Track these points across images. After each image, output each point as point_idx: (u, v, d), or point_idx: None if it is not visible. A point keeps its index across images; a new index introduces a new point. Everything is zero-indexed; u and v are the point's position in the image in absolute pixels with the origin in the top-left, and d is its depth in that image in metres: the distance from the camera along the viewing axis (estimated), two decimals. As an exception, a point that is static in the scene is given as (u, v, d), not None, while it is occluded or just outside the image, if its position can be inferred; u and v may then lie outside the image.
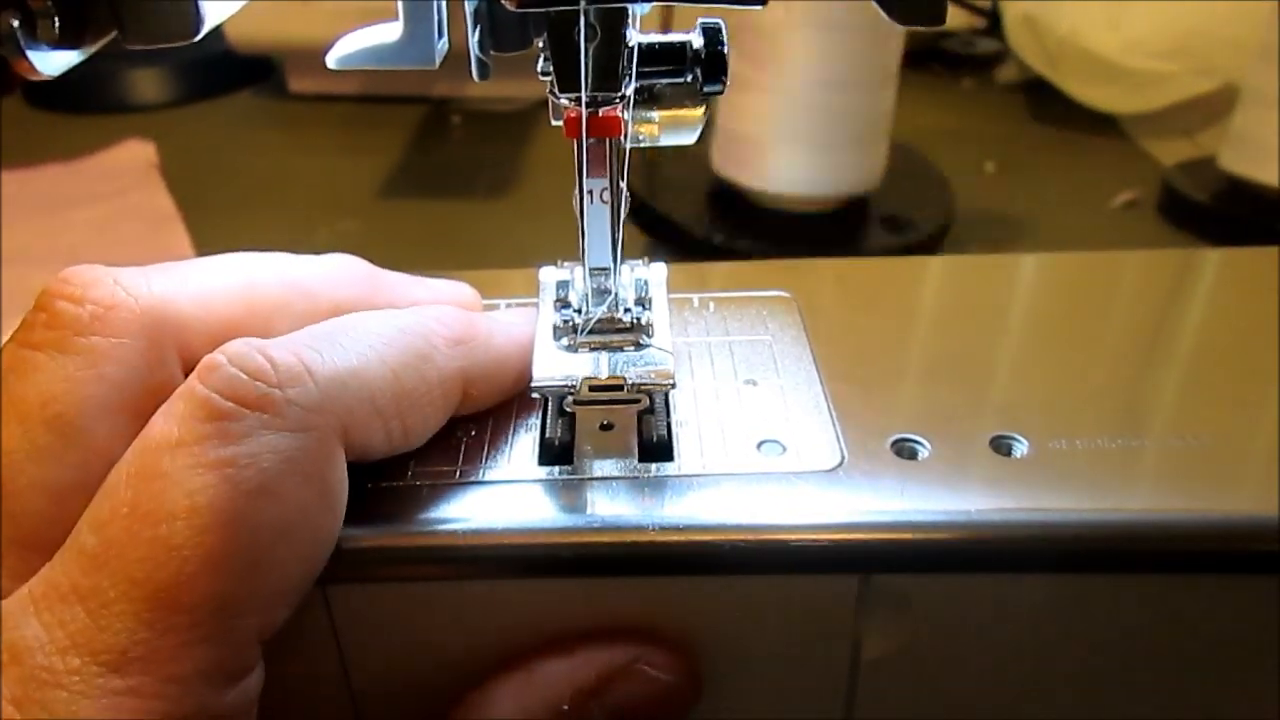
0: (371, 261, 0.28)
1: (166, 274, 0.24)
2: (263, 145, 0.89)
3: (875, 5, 0.19)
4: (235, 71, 0.98)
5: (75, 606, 0.19)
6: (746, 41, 0.59)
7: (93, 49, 0.19)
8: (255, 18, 0.89)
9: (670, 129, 0.26)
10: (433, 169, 0.83)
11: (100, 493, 0.21)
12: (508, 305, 0.31)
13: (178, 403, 0.21)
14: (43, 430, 0.21)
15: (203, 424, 0.20)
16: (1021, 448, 0.25)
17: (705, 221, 0.64)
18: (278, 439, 0.20)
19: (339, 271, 0.27)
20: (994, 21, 0.96)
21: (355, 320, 0.24)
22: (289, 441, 0.21)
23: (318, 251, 0.27)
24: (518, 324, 0.27)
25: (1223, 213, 0.67)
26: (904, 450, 0.25)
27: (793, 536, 0.23)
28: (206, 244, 0.69)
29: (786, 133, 0.60)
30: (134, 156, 0.82)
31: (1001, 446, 0.25)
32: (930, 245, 0.63)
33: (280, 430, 0.21)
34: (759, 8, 0.20)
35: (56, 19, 0.18)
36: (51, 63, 0.19)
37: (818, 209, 0.63)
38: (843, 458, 0.25)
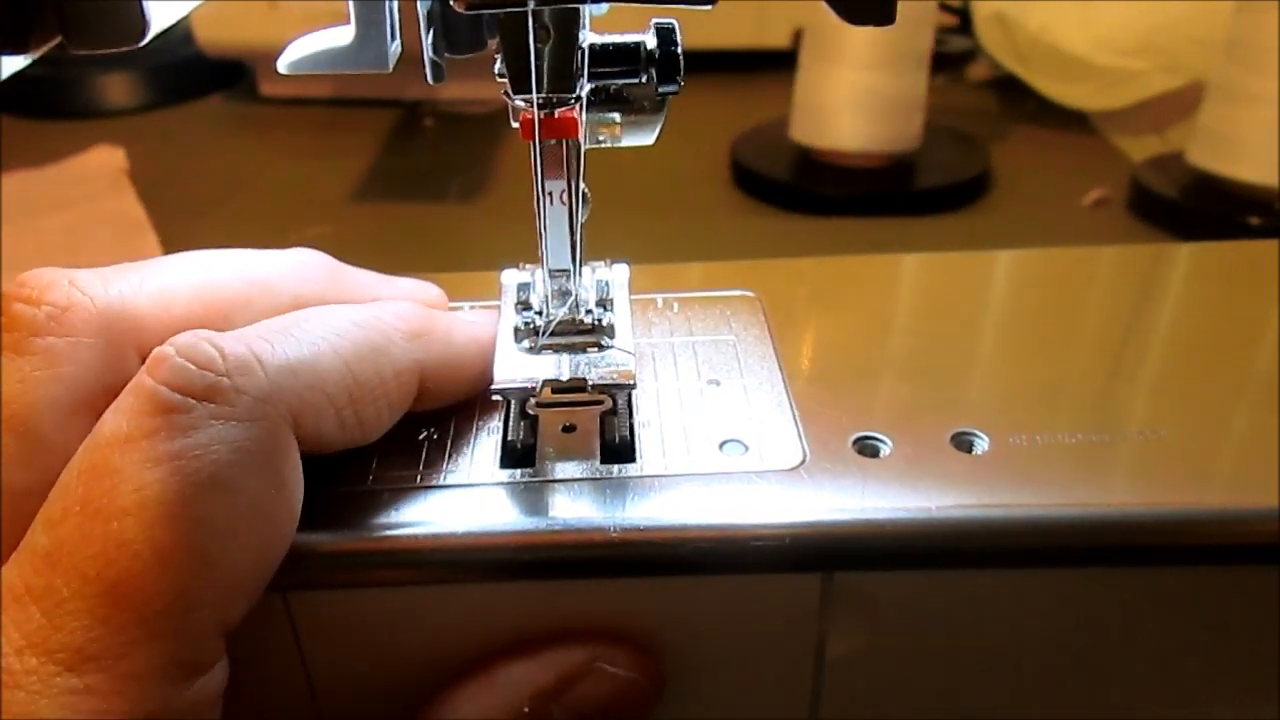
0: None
1: (124, 274, 0.24)
2: (234, 150, 0.88)
3: (825, 5, 0.19)
4: (206, 75, 0.98)
5: (30, 607, 0.19)
6: (817, 36, 0.76)
7: (37, 54, 0.19)
8: (225, 21, 0.89)
9: (630, 129, 0.26)
10: (405, 172, 0.82)
11: (53, 491, 0.20)
12: (471, 308, 0.31)
13: (127, 397, 0.21)
14: None
15: (151, 417, 0.20)
16: (982, 444, 0.25)
17: (787, 176, 0.78)
18: (227, 429, 0.20)
19: (300, 267, 0.27)
20: (965, 20, 0.96)
21: (310, 313, 0.24)
22: (239, 431, 0.20)
23: None
24: (477, 321, 0.27)
25: (1191, 208, 0.68)
26: (866, 448, 0.25)
27: (755, 536, 0.23)
28: (177, 250, 0.68)
29: (849, 104, 0.75)
30: (104, 162, 0.81)
31: (962, 443, 0.25)
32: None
33: (229, 420, 0.20)
34: (707, 8, 0.20)
35: (-1, 24, 0.18)
36: (-4, 68, 0.19)
37: (873, 165, 0.77)
38: (805, 457, 0.25)
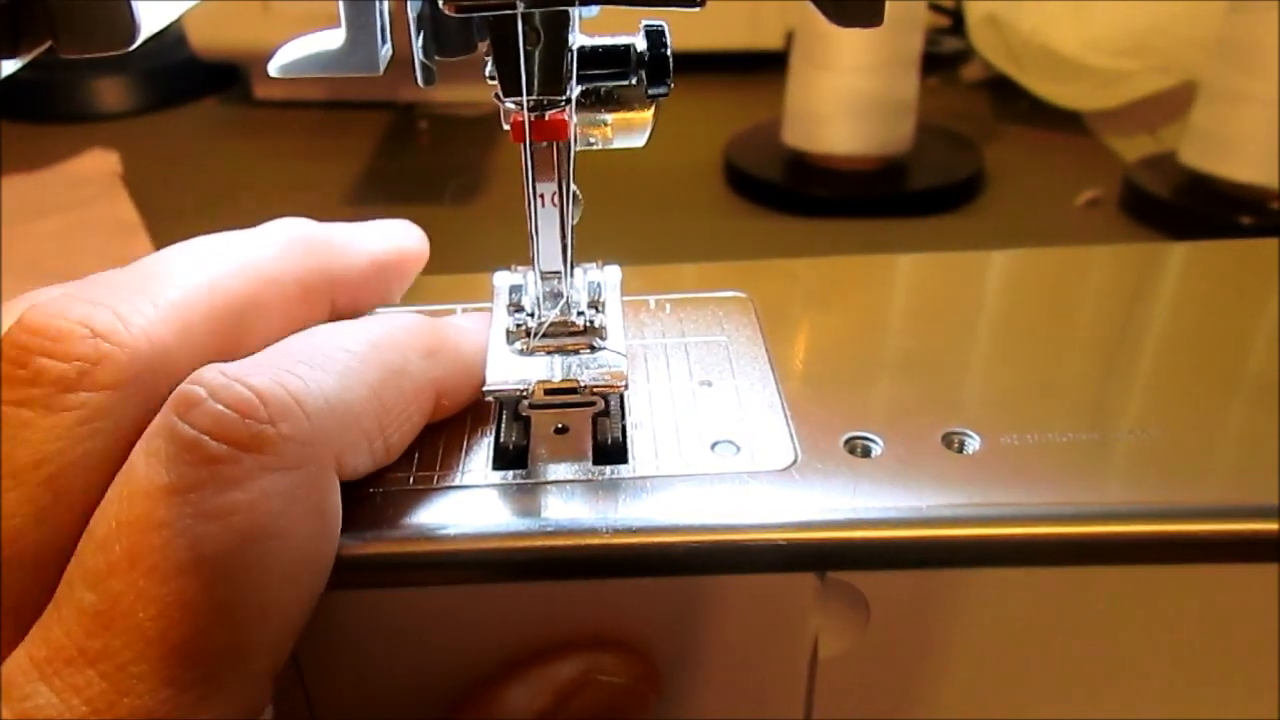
0: None
1: (135, 300, 0.23)
2: (228, 153, 0.89)
3: (813, 6, 0.19)
4: (200, 79, 0.98)
5: (87, 670, 0.19)
6: (807, 40, 0.77)
7: (28, 58, 0.19)
8: (218, 24, 0.89)
9: (620, 131, 0.26)
10: (400, 175, 0.83)
11: (88, 543, 0.20)
12: (463, 310, 0.31)
13: (157, 441, 0.20)
14: (41, 492, 0.21)
15: (196, 469, 0.20)
16: (974, 444, 0.25)
17: (780, 178, 0.78)
18: (277, 479, 0.20)
19: (292, 245, 0.26)
20: (958, 21, 0.97)
21: (324, 335, 0.24)
22: (289, 480, 0.20)
23: None
24: (481, 330, 0.27)
25: (1184, 207, 0.68)
26: (857, 448, 0.25)
27: (747, 536, 0.23)
28: (170, 253, 0.69)
29: (840, 109, 0.76)
30: (98, 166, 0.82)
31: (953, 443, 0.25)
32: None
33: (278, 469, 0.20)
34: (696, 9, 0.20)
35: (-13, 29, 0.18)
36: (-16, 73, 0.19)
37: (866, 167, 0.78)
38: (796, 457, 0.25)
